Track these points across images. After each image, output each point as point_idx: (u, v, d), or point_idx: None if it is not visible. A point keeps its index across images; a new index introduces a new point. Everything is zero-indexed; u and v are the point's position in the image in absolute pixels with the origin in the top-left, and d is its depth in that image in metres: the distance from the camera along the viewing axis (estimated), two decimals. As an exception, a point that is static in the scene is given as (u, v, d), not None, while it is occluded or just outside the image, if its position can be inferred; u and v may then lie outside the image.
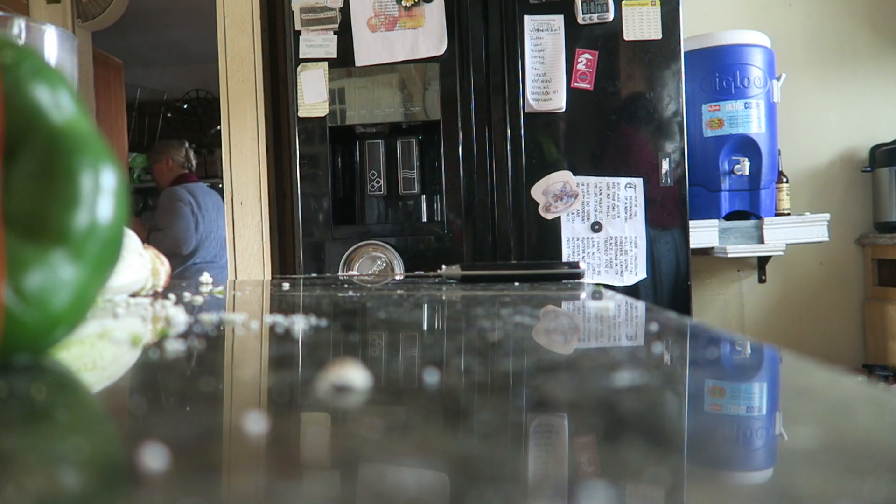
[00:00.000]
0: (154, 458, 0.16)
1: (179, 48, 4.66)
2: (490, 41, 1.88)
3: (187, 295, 0.63)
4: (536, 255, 1.86)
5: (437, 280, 0.86)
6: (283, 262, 2.42)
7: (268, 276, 2.29)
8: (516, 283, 0.77)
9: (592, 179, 1.87)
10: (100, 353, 0.32)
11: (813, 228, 2.17)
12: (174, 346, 0.33)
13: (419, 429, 0.20)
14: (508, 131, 1.87)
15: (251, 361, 0.33)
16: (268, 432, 0.19)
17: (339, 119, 1.91)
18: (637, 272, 1.86)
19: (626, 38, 1.86)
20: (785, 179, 2.29)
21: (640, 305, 0.53)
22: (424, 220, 1.99)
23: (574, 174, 1.87)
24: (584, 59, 1.86)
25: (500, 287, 0.72)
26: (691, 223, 1.93)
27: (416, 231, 1.91)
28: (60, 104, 0.29)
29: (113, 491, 0.15)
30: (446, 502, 0.14)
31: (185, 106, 5.18)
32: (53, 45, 0.53)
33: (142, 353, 0.33)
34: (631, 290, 1.85)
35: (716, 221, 2.15)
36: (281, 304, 0.58)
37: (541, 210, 1.87)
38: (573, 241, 1.87)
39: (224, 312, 0.48)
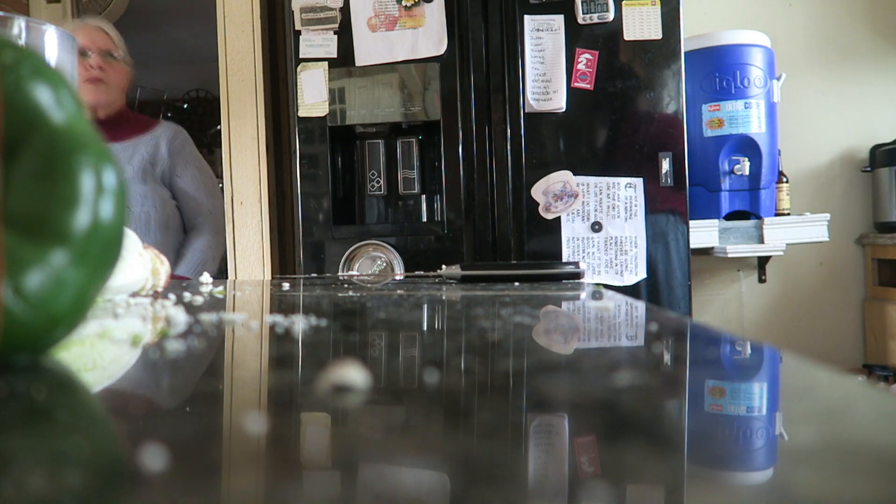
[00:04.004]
0: (154, 458, 0.16)
1: (179, 48, 4.66)
2: (490, 41, 1.88)
3: (187, 295, 0.63)
4: (536, 255, 1.86)
5: (437, 280, 0.86)
6: (283, 262, 2.42)
7: (268, 276, 2.29)
8: (516, 283, 0.77)
9: (592, 179, 1.87)
10: (100, 353, 0.32)
11: (813, 228, 2.18)
12: (174, 346, 0.33)
13: (419, 429, 0.20)
14: (508, 131, 1.87)
15: (251, 361, 0.33)
16: (268, 432, 0.19)
17: (339, 119, 1.91)
18: (637, 272, 1.86)
19: (626, 38, 1.86)
20: (785, 179, 2.29)
21: (640, 305, 0.53)
22: (424, 220, 1.99)
23: (574, 174, 1.87)
24: (584, 59, 1.86)
25: (500, 287, 0.72)
26: (691, 223, 1.93)
27: (416, 231, 1.91)
28: (60, 104, 0.29)
29: (113, 491, 0.15)
30: (446, 502, 0.14)
31: (185, 106, 5.18)
32: (53, 45, 0.53)
33: (142, 353, 0.33)
34: (631, 290, 1.85)
35: (716, 221, 2.15)
36: (281, 304, 0.58)
37: (541, 210, 1.87)
38: (573, 241, 1.87)
39: (224, 312, 0.48)
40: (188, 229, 1.98)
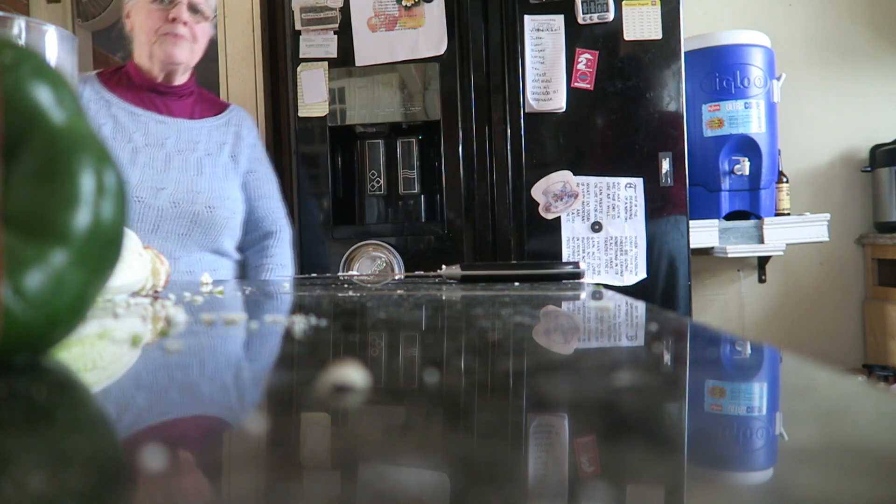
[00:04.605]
0: (154, 458, 0.16)
1: (179, 48, 4.65)
2: (490, 41, 1.88)
3: (187, 295, 0.63)
4: (536, 255, 1.86)
5: (437, 280, 0.86)
6: (283, 262, 2.41)
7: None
8: (516, 283, 0.77)
9: (592, 179, 1.87)
10: (100, 353, 0.32)
11: (813, 228, 2.18)
12: (174, 346, 0.33)
13: (419, 429, 0.20)
14: (508, 131, 1.87)
15: (251, 361, 0.33)
16: (268, 432, 0.19)
17: (339, 119, 1.91)
18: (637, 272, 1.86)
19: (626, 37, 1.86)
20: (785, 179, 2.29)
21: (640, 305, 0.53)
22: (424, 220, 1.99)
23: (574, 174, 1.87)
24: (585, 59, 1.86)
25: (500, 287, 0.72)
26: (691, 223, 1.93)
27: (416, 231, 1.91)
28: (60, 104, 0.29)
29: (113, 491, 0.15)
30: (446, 502, 0.14)
31: (185, 106, 5.18)
32: (53, 45, 0.53)
33: (142, 353, 0.33)
34: (631, 290, 1.85)
35: (716, 221, 2.15)
36: (281, 304, 0.58)
37: (541, 210, 1.87)
38: (573, 241, 1.87)
39: (224, 312, 0.48)
40: (257, 238, 1.58)
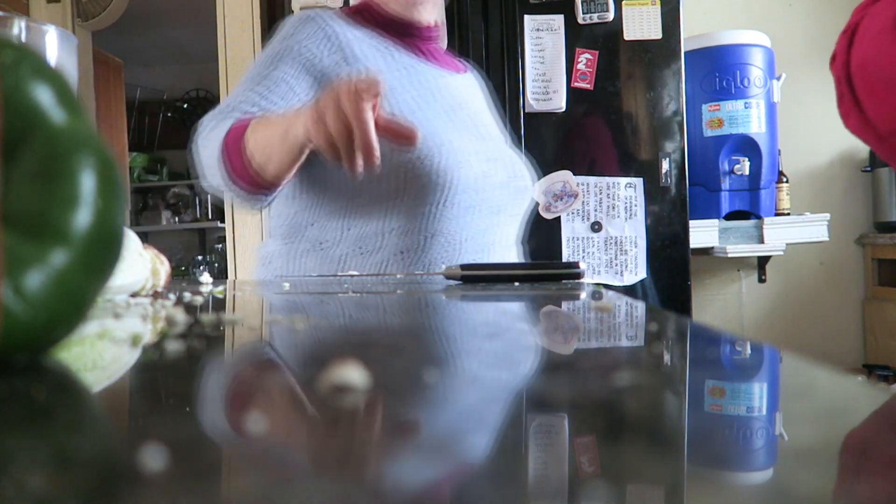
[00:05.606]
0: (153, 458, 0.16)
1: (179, 48, 4.66)
2: (490, 41, 1.88)
3: (187, 295, 0.63)
4: (536, 255, 1.87)
5: (437, 280, 0.86)
6: (283, 261, 2.41)
7: (268, 276, 2.28)
8: (516, 283, 0.77)
9: (592, 179, 1.87)
10: (100, 353, 0.32)
11: (813, 228, 2.18)
12: (174, 346, 0.33)
13: (418, 429, 0.20)
14: (508, 131, 1.87)
15: (251, 361, 0.33)
16: (267, 432, 0.19)
17: (339, 119, 1.91)
18: (637, 272, 1.86)
19: (626, 37, 1.86)
20: (785, 179, 2.29)
21: (640, 305, 0.53)
22: (424, 219, 1.98)
23: (574, 174, 1.87)
24: (584, 59, 1.86)
25: (500, 287, 0.72)
26: (691, 223, 1.93)
27: (416, 231, 1.91)
28: (60, 104, 0.29)
29: (112, 491, 0.15)
30: (446, 502, 0.14)
31: (185, 106, 5.18)
32: (53, 45, 0.53)
33: (142, 353, 0.33)
34: (631, 290, 1.85)
35: (716, 221, 2.15)
36: (281, 303, 0.58)
37: (541, 210, 1.87)
38: (573, 241, 1.87)
39: (224, 312, 0.48)
40: None
